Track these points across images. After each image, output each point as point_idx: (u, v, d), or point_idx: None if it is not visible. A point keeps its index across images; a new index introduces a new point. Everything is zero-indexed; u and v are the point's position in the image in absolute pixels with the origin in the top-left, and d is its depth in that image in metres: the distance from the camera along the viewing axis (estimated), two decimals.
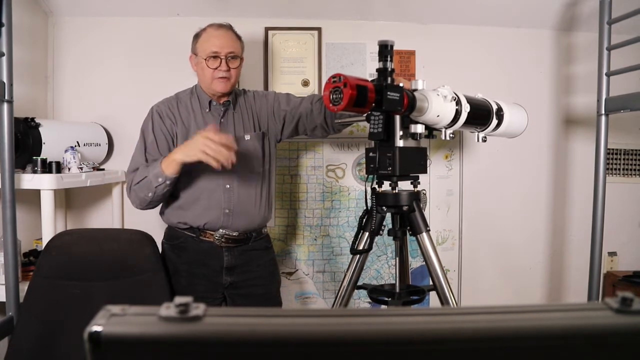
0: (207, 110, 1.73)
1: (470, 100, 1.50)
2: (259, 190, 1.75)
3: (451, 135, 1.51)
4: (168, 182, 1.58)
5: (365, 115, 1.51)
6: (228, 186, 1.69)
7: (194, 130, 1.69)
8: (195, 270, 1.70)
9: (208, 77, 1.66)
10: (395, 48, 1.46)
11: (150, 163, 1.64)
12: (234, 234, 1.71)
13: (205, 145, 1.46)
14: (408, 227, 1.57)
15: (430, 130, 1.52)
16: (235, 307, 1.71)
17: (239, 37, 1.73)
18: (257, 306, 1.67)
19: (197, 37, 1.71)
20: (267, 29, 2.28)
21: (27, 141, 1.79)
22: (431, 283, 1.55)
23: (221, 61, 1.64)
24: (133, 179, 1.64)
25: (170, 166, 1.55)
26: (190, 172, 1.65)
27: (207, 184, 1.67)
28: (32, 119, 1.82)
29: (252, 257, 1.76)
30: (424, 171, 1.55)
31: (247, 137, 1.75)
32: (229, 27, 1.71)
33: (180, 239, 1.72)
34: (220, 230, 1.69)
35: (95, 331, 0.42)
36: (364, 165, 2.23)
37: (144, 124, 1.73)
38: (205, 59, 1.65)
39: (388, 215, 1.59)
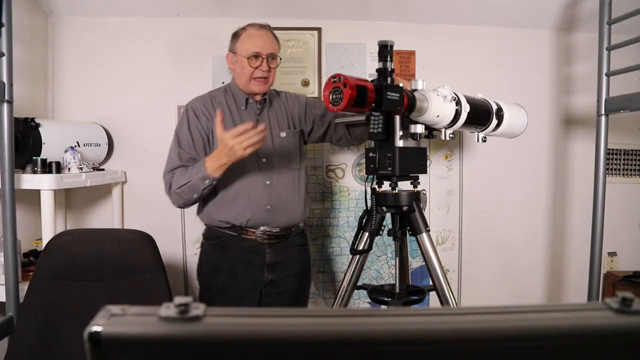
0: (244, 107, 1.74)
1: (470, 101, 1.50)
2: (296, 186, 1.76)
3: (451, 135, 1.51)
4: (215, 183, 1.60)
5: (365, 115, 1.51)
6: (268, 182, 1.70)
7: (229, 128, 1.69)
8: (238, 269, 1.70)
9: (247, 76, 1.68)
10: (395, 48, 1.46)
11: (190, 166, 1.65)
12: (275, 230, 1.71)
13: (237, 143, 1.49)
14: (408, 227, 1.57)
15: (430, 131, 1.52)
16: (268, 306, 1.72)
17: (276, 38, 1.75)
18: (290, 303, 1.70)
19: (236, 36, 1.72)
20: None
21: (27, 141, 1.79)
22: (431, 283, 1.55)
23: (262, 61, 1.66)
24: (172, 182, 1.65)
25: (219, 170, 1.56)
26: (229, 169, 1.65)
27: (246, 180, 1.68)
28: (32, 119, 1.82)
29: (292, 254, 1.77)
30: (424, 171, 1.55)
31: (283, 134, 1.76)
32: (269, 28, 1.74)
33: (221, 238, 1.73)
34: (262, 227, 1.69)
35: (95, 331, 0.42)
36: (364, 166, 2.23)
37: (178, 124, 1.74)
38: (248, 58, 1.66)
39: (388, 216, 1.59)
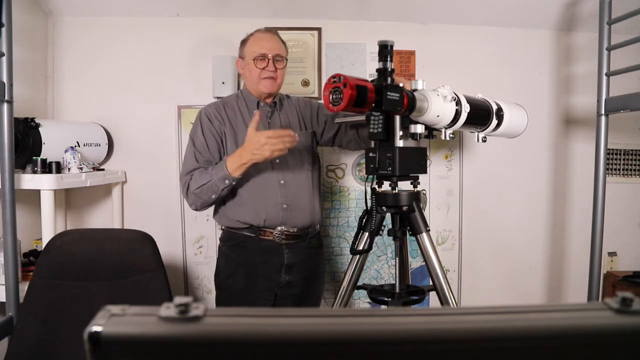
0: (255, 110, 1.75)
1: (470, 101, 1.50)
2: (310, 186, 1.78)
3: (451, 135, 1.51)
4: (234, 184, 1.62)
5: (365, 115, 1.51)
6: (282, 182, 1.72)
7: (241, 131, 1.71)
8: (255, 270, 1.71)
9: (255, 77, 1.72)
10: (395, 48, 1.46)
11: (208, 166, 1.67)
12: (292, 230, 1.72)
13: (270, 144, 1.53)
14: (408, 227, 1.57)
15: (430, 131, 1.52)
16: (280, 307, 1.73)
17: (283, 42, 1.78)
18: (303, 306, 1.71)
19: (244, 42, 1.77)
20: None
21: (27, 141, 1.79)
22: (431, 283, 1.55)
23: (268, 62, 1.70)
24: (190, 184, 1.66)
25: (239, 170, 1.59)
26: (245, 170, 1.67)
27: (261, 180, 1.70)
28: (32, 119, 1.82)
29: (309, 255, 1.78)
30: (424, 171, 1.55)
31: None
32: (275, 32, 1.78)
33: (239, 239, 1.73)
34: (279, 227, 1.71)
35: (95, 331, 0.42)
36: (364, 166, 2.23)
37: (192, 129, 1.76)
38: (254, 60, 1.70)
39: (388, 215, 1.58)
